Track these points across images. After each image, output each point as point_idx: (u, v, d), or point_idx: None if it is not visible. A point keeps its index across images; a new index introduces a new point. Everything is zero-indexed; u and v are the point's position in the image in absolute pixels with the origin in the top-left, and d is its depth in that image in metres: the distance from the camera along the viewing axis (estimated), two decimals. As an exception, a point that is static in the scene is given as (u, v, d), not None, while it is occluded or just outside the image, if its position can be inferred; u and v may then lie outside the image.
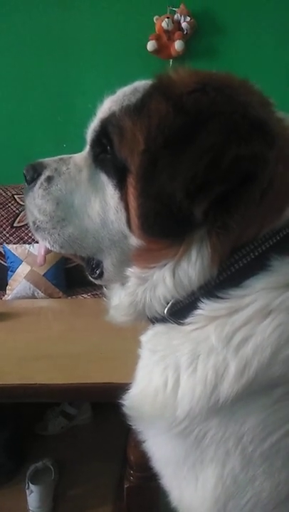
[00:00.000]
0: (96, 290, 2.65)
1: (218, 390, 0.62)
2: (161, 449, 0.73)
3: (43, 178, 0.80)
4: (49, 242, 0.80)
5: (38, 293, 2.65)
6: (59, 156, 0.83)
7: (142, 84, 0.74)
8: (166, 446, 0.70)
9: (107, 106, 0.76)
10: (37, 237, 0.82)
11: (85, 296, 2.63)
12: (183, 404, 0.65)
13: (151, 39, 2.84)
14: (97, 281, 0.81)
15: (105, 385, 1.40)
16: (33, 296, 2.64)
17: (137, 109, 0.70)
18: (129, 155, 0.69)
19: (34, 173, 0.82)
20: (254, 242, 0.64)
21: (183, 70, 0.71)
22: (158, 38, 2.85)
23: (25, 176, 0.83)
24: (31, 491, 1.67)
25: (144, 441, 0.77)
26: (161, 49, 2.87)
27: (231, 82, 0.68)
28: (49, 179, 0.80)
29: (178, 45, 2.82)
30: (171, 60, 2.91)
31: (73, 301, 2.59)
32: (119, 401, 1.24)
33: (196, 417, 0.64)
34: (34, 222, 0.81)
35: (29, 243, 2.80)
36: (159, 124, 0.65)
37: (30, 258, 2.69)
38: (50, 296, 2.66)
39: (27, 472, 1.74)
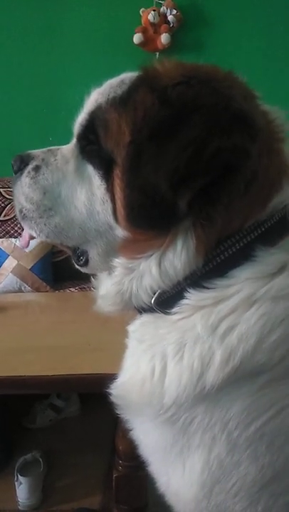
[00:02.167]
0: (84, 283, 2.65)
1: (204, 377, 0.63)
2: (148, 437, 0.74)
3: (30, 167, 0.81)
4: (35, 231, 0.81)
5: (25, 287, 2.65)
6: (47, 148, 0.84)
7: (128, 76, 0.75)
8: (154, 434, 0.71)
9: (94, 98, 0.77)
10: (24, 225, 0.83)
11: (72, 289, 2.63)
12: (170, 392, 0.66)
13: (138, 32, 2.83)
14: (82, 269, 0.82)
15: (94, 375, 1.41)
16: (20, 291, 2.64)
17: (123, 101, 0.70)
18: (115, 147, 0.70)
19: (21, 163, 0.82)
20: (239, 233, 0.65)
21: (168, 62, 0.72)
22: (144, 31, 2.84)
23: (12, 166, 0.84)
24: (20, 483, 1.68)
25: (131, 430, 0.78)
26: (148, 42, 2.86)
27: (216, 74, 0.69)
28: (37, 168, 0.81)
29: (164, 38, 2.82)
30: (157, 53, 2.90)
31: (60, 295, 2.58)
32: (108, 391, 1.25)
33: (182, 404, 0.65)
34: (21, 211, 0.81)
35: (15, 237, 2.78)
36: (145, 116, 0.66)
37: (17, 252, 2.68)
38: (38, 290, 2.65)
39: (16, 465, 1.74)
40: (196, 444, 0.66)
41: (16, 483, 1.69)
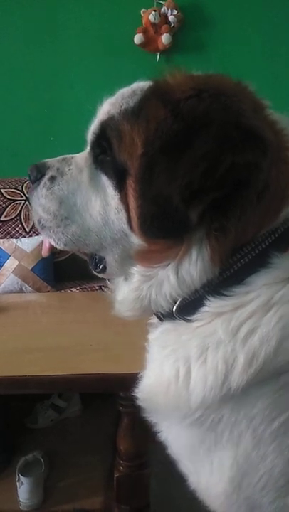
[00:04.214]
0: (85, 284, 2.65)
1: (229, 379, 0.65)
2: (177, 438, 0.76)
3: (46, 178, 0.83)
4: (54, 240, 0.83)
5: (26, 287, 2.65)
6: (62, 156, 0.86)
7: (140, 86, 0.76)
8: (182, 435, 0.73)
9: (106, 109, 0.78)
10: (43, 235, 0.85)
11: (73, 290, 2.63)
12: (196, 394, 0.68)
13: (138, 32, 2.84)
14: (100, 275, 0.84)
15: (95, 375, 1.42)
16: (21, 291, 2.64)
17: (135, 113, 0.72)
18: (128, 158, 0.71)
19: (38, 173, 0.84)
20: (254, 241, 0.67)
21: (179, 74, 0.73)
22: (145, 31, 2.85)
23: (29, 176, 0.86)
24: (22, 483, 1.68)
25: (159, 432, 0.80)
26: (149, 42, 2.87)
27: (226, 87, 0.70)
28: (52, 179, 0.83)
29: (165, 38, 2.82)
30: (158, 54, 2.91)
31: (62, 295, 2.59)
32: (110, 392, 1.25)
33: (209, 406, 0.67)
34: (39, 221, 0.84)
35: (16, 237, 2.79)
36: (157, 129, 0.67)
37: (18, 252, 2.68)
38: (39, 290, 2.65)
39: (17, 465, 1.74)
40: (224, 441, 0.68)
41: (17, 483, 1.69)
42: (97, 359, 1.55)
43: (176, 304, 0.72)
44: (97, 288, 2.62)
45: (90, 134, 0.82)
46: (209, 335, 0.68)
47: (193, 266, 0.68)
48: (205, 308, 0.69)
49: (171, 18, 2.81)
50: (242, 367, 0.64)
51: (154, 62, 2.90)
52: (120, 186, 0.74)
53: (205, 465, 0.70)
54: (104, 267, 0.81)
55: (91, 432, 2.05)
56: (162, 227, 0.68)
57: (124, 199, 0.73)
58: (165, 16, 2.82)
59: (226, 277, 0.68)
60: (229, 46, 2.91)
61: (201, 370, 0.68)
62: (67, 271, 2.63)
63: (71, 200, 0.81)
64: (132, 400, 1.52)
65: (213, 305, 0.68)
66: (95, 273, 0.85)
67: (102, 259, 0.81)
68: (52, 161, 0.85)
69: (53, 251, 2.81)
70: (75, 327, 1.88)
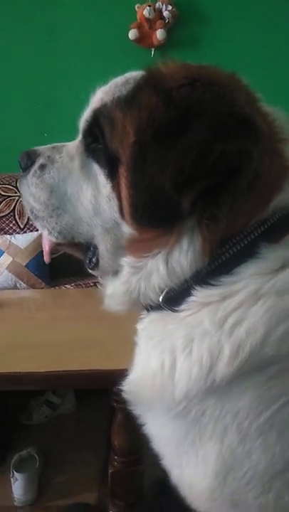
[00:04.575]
0: (79, 280, 2.65)
1: (214, 371, 0.64)
2: (161, 430, 0.75)
3: (36, 165, 0.81)
4: (48, 230, 0.81)
5: (20, 284, 2.64)
6: (53, 144, 0.84)
7: (133, 75, 0.75)
8: (166, 427, 0.72)
9: (99, 96, 0.77)
10: (37, 225, 0.84)
11: (68, 286, 2.62)
12: (180, 386, 0.67)
13: (133, 28, 2.83)
14: (94, 272, 0.83)
15: (89, 372, 1.42)
16: (15, 288, 2.63)
17: (128, 101, 0.71)
18: (120, 146, 0.71)
19: (28, 160, 0.83)
20: (243, 231, 0.67)
21: (172, 63, 0.72)
22: (139, 27, 2.84)
23: (20, 164, 0.84)
24: (16, 479, 1.68)
25: (143, 425, 0.79)
26: (143, 38, 2.86)
27: (219, 77, 0.70)
28: (42, 167, 0.81)
29: (160, 34, 2.81)
30: (152, 49, 2.90)
31: (56, 292, 2.58)
32: (105, 388, 1.25)
33: (193, 398, 0.66)
34: (31, 211, 0.83)
35: (10, 234, 2.77)
36: (149, 117, 0.67)
37: (12, 249, 2.67)
38: (33, 287, 2.65)
39: (11, 461, 1.75)
40: (209, 435, 0.67)
41: (11, 479, 1.70)
42: (91, 355, 1.55)
43: (163, 294, 0.71)
44: (91, 284, 2.62)
45: (83, 122, 0.80)
46: (196, 325, 0.67)
47: (183, 255, 0.68)
48: (192, 298, 0.69)
49: (165, 13, 2.80)
50: (227, 359, 0.64)
51: (148, 57, 2.88)
52: (112, 175, 0.73)
53: (189, 459, 0.70)
54: (97, 261, 0.80)
55: (85, 428, 2.05)
56: (154, 215, 0.68)
57: (115, 187, 0.72)
58: (160, 11, 2.81)
59: (214, 267, 0.67)
60: (224, 42, 2.90)
61: (186, 361, 0.67)
62: (62, 267, 2.62)
63: (62, 188, 0.80)
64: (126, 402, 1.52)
65: (200, 294, 0.68)
66: (89, 270, 0.85)
67: (95, 251, 0.80)
68: (43, 148, 0.84)
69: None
70: (69, 323, 1.88)
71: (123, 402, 1.56)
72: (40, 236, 2.73)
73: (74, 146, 0.82)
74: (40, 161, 0.81)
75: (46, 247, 0.87)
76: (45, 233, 0.84)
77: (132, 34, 2.83)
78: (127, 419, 1.57)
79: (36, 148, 0.84)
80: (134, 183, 0.68)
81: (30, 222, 2.93)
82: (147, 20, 2.80)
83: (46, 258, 0.90)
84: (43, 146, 0.84)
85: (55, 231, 0.80)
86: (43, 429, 2.06)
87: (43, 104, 3.03)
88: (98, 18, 2.89)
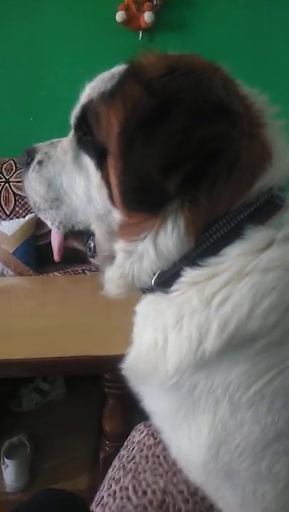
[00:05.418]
0: (68, 268, 2.63)
1: (203, 345, 0.67)
2: (157, 404, 0.77)
3: (35, 162, 0.87)
4: (50, 221, 0.87)
5: (7, 271, 2.61)
6: (50, 141, 0.90)
7: (119, 70, 0.78)
8: (161, 401, 0.75)
9: (87, 92, 0.81)
10: (40, 217, 0.89)
11: (56, 273, 2.60)
12: (172, 360, 0.70)
13: (120, 9, 2.77)
14: (95, 261, 0.87)
15: (81, 358, 1.41)
16: (2, 275, 2.60)
17: (111, 94, 0.74)
18: (106, 138, 0.74)
19: (28, 157, 0.88)
20: (229, 215, 0.69)
21: (152, 55, 0.76)
22: (127, 9, 2.78)
23: (20, 162, 0.90)
24: (7, 466, 1.68)
25: (142, 400, 0.81)
26: (131, 20, 2.80)
27: (198, 66, 0.73)
28: (40, 163, 0.87)
29: (147, 16, 2.76)
30: (140, 32, 2.85)
31: (44, 279, 2.56)
32: (96, 374, 1.24)
33: (185, 371, 0.69)
34: (34, 204, 0.88)
35: (-4, 221, 2.74)
36: (133, 107, 0.70)
37: (-1, 236, 2.64)
38: (20, 274, 2.62)
39: (2, 448, 1.74)
40: (202, 409, 0.69)
41: (2, 466, 1.70)
42: (81, 341, 1.54)
43: (155, 277, 0.74)
44: (80, 271, 2.61)
45: (73, 118, 0.85)
46: (185, 304, 0.70)
47: (169, 237, 0.71)
48: (181, 279, 0.71)
49: (153, -5, 2.75)
50: (215, 333, 0.66)
51: (136, 40, 2.84)
52: (101, 165, 0.76)
53: (184, 432, 0.71)
54: (95, 247, 0.84)
55: (75, 415, 2.06)
56: (143, 199, 0.71)
57: (105, 176, 0.76)
58: (148, -7, 2.75)
59: (202, 250, 0.70)
60: (212, 25, 2.86)
61: (177, 337, 0.70)
62: (50, 255, 2.58)
63: (58, 181, 0.85)
64: (118, 381, 1.52)
65: (188, 275, 0.71)
66: (90, 259, 0.88)
67: (93, 238, 0.84)
68: (41, 145, 0.90)
69: (36, 234, 2.75)
70: (58, 310, 1.87)
71: (114, 388, 1.58)
72: (27, 223, 2.73)
73: (68, 140, 0.87)
74: (38, 157, 0.87)
75: (56, 245, 0.91)
76: (53, 230, 0.89)
77: (120, 16, 2.77)
78: (118, 404, 1.58)
79: (35, 145, 0.89)
80: (123, 171, 0.71)
81: (17, 209, 2.90)
82: (135, 2, 2.74)
83: (57, 256, 0.93)
84: (41, 143, 0.89)
85: (56, 221, 0.86)
86: (33, 416, 2.06)
87: (29, 88, 2.97)
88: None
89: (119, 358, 0.81)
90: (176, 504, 0.88)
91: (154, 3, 2.76)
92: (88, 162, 0.80)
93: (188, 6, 2.87)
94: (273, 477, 0.67)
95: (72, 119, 0.84)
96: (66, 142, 0.86)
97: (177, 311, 0.70)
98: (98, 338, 1.55)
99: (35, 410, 2.10)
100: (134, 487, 0.93)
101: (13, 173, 2.83)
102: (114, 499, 0.91)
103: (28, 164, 0.88)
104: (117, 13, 2.77)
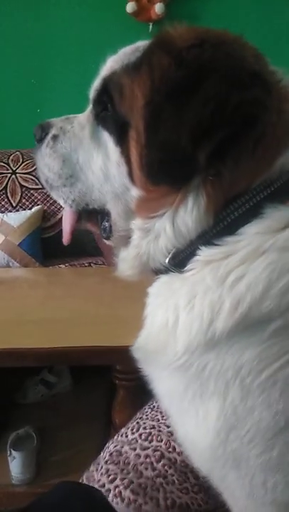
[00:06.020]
0: (74, 261, 2.61)
1: (214, 324, 0.65)
2: (165, 385, 0.76)
3: (49, 136, 0.84)
4: (63, 199, 0.84)
5: (13, 263, 2.59)
6: (65, 116, 0.87)
7: (142, 43, 0.76)
8: (170, 382, 0.73)
9: (109, 65, 0.79)
10: (52, 195, 0.86)
11: (62, 266, 2.58)
12: (182, 339, 0.68)
13: (131, 0, 2.75)
14: (110, 242, 0.85)
15: (93, 348, 1.40)
16: (8, 267, 2.58)
17: (136, 66, 0.72)
18: (129, 110, 0.72)
19: (42, 132, 0.85)
20: (248, 193, 0.67)
21: (180, 27, 0.74)
22: (138, 0, 2.76)
23: (35, 136, 0.87)
24: (14, 458, 1.66)
25: (150, 382, 0.79)
26: (141, 11, 2.78)
27: (227, 38, 0.71)
28: (55, 138, 0.84)
29: (158, 8, 2.74)
30: (150, 24, 2.82)
31: (50, 271, 2.54)
32: (107, 364, 1.22)
33: (194, 351, 0.67)
34: (47, 181, 0.85)
35: (2, 212, 2.71)
36: (162, 77, 0.68)
37: (4, 227, 2.61)
38: (26, 266, 2.60)
39: (8, 439, 1.72)
40: (210, 392, 0.67)
41: (9, 458, 1.67)
42: (90, 332, 1.53)
43: (170, 255, 0.72)
44: (86, 265, 2.58)
45: (92, 91, 0.82)
46: (198, 283, 0.68)
47: (188, 214, 0.69)
48: (196, 258, 0.70)
49: (165, -13, 2.73)
50: (227, 312, 0.64)
51: (146, 32, 2.81)
52: (121, 140, 0.74)
53: (191, 416, 0.69)
54: (111, 227, 0.82)
55: (82, 407, 2.04)
56: (169, 172, 0.69)
57: (125, 152, 0.74)
58: (159, -16, 2.73)
59: (220, 229, 0.68)
60: (224, 18, 2.83)
61: (188, 317, 0.68)
62: (56, 247, 2.56)
63: (74, 157, 0.82)
64: (128, 372, 1.50)
65: (203, 254, 0.69)
66: (105, 240, 0.86)
67: (108, 218, 0.82)
68: (56, 120, 0.86)
69: (42, 226, 2.74)
70: (65, 301, 1.85)
71: (124, 379, 1.56)
72: (33, 215, 2.70)
73: (85, 116, 0.84)
74: (52, 131, 0.84)
75: (67, 227, 0.88)
76: (65, 211, 0.87)
77: (130, 7, 2.75)
78: (129, 396, 1.56)
79: (50, 120, 0.86)
80: (148, 143, 0.69)
81: (24, 201, 2.87)
82: (146, -7, 2.72)
83: (66, 238, 0.89)
84: (56, 118, 0.86)
85: (69, 199, 0.83)
86: (40, 408, 2.04)
87: (36, 79, 2.94)
88: (95, -10, 2.81)
89: (129, 349, 0.80)
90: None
91: (165, -6, 2.74)
92: (107, 138, 0.78)
93: (200, -2, 2.85)
94: (285, 466, 0.64)
95: (92, 93, 0.82)
96: (83, 117, 0.84)
97: (190, 290, 0.69)
98: (106, 330, 1.53)
99: (42, 402, 2.08)
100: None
101: (20, 165, 2.81)
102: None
103: (41, 139, 0.85)
104: (128, 4, 2.75)
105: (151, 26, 2.84)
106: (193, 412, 0.69)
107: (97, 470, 0.97)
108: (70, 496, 0.76)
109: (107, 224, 0.83)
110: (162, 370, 0.73)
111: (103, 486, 0.89)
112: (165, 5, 2.75)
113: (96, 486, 0.89)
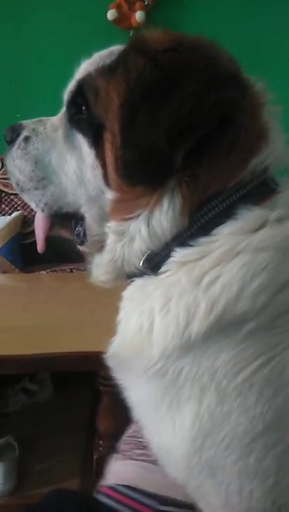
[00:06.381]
0: (55, 267, 2.58)
1: (190, 327, 0.64)
2: (139, 393, 0.73)
3: (21, 138, 0.82)
4: (35, 202, 0.81)
5: (-8, 269, 2.54)
6: (38, 118, 0.85)
7: (117, 48, 0.77)
8: (144, 389, 0.71)
9: (84, 68, 0.79)
10: (24, 198, 0.84)
11: (42, 272, 2.55)
12: (157, 344, 0.67)
13: (112, 8, 2.76)
14: (83, 248, 0.83)
15: (77, 354, 1.38)
16: (-13, 273, 2.53)
17: (112, 68, 0.72)
18: (104, 112, 0.72)
19: (13, 134, 0.83)
20: (222, 194, 0.68)
21: (155, 31, 0.75)
22: (118, 7, 2.78)
23: (5, 138, 0.85)
24: (-6, 468, 1.62)
25: (124, 391, 0.77)
26: (122, 19, 2.80)
27: (202, 42, 0.73)
28: (27, 139, 0.82)
29: (139, 15, 2.76)
30: (131, 31, 2.84)
31: (31, 277, 2.50)
32: (91, 370, 1.19)
33: (170, 356, 0.66)
34: (17, 184, 0.83)
35: (-19, 217, 2.67)
36: (137, 78, 0.68)
37: (-17, 232, 2.57)
38: (6, 273, 2.56)
39: (-12, 450, 1.68)
40: (186, 397, 0.65)
41: (-11, 468, 1.63)
42: (73, 338, 1.50)
43: (144, 257, 0.72)
44: (67, 271, 2.56)
45: (67, 93, 0.81)
46: (173, 285, 0.68)
47: (164, 215, 0.68)
48: (171, 259, 0.69)
49: (145, -5, 2.76)
50: (202, 314, 0.63)
51: (126, 39, 2.81)
52: (96, 142, 0.74)
53: (167, 424, 0.67)
54: (85, 232, 0.80)
55: (64, 415, 2.01)
56: (144, 173, 0.68)
57: (100, 155, 0.73)
58: (139, -8, 2.76)
59: (194, 230, 0.68)
60: (203, 27, 2.87)
61: (163, 320, 0.67)
62: (37, 253, 2.51)
63: (46, 159, 0.80)
64: (113, 378, 1.48)
65: (178, 255, 0.69)
66: (78, 247, 0.84)
67: (82, 223, 0.80)
68: (27, 122, 0.84)
69: (22, 232, 2.69)
70: (47, 308, 1.82)
71: (109, 386, 1.54)
72: (13, 220, 2.66)
73: (58, 118, 0.83)
74: (24, 133, 0.82)
75: (41, 234, 0.85)
76: (37, 218, 0.84)
77: (111, 14, 2.76)
78: (113, 402, 1.54)
79: (21, 122, 0.84)
80: (123, 144, 0.69)
81: (3, 206, 2.83)
82: (126, 1, 2.74)
83: (40, 245, 0.87)
84: (27, 120, 0.84)
85: (41, 203, 0.81)
86: (21, 417, 2.01)
87: (16, 83, 2.92)
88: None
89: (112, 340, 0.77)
90: None
91: (146, 3, 2.77)
92: (81, 140, 0.77)
93: (179, 7, 2.89)
94: (262, 473, 0.63)
95: (67, 95, 0.81)
96: (56, 120, 0.82)
97: (165, 293, 0.68)
98: (90, 336, 1.51)
99: (23, 411, 2.04)
100: None
101: (-1, 170, 2.78)
102: None
103: (12, 141, 0.83)
104: (109, 12, 2.77)
105: (131, 33, 2.85)
106: (169, 420, 0.67)
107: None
108: (63, 504, 0.74)
109: (80, 229, 0.81)
110: (137, 378, 0.71)
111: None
112: (146, 13, 2.78)
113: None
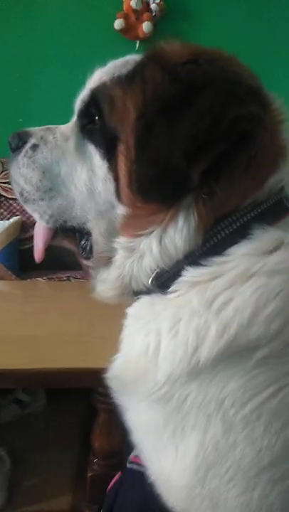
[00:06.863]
0: (52, 274, 2.55)
1: (199, 351, 0.62)
2: (141, 419, 0.71)
3: (28, 146, 0.79)
4: (39, 214, 0.78)
5: (-12, 275, 2.51)
6: (46, 126, 0.82)
7: (132, 57, 0.75)
8: (147, 414, 0.68)
9: (98, 76, 0.76)
10: (27, 209, 0.80)
11: (40, 279, 2.51)
12: (164, 368, 0.64)
13: (119, 17, 2.76)
14: (88, 262, 0.80)
15: (74, 370, 1.34)
16: (-17, 279, 2.50)
17: (129, 79, 0.70)
18: (119, 124, 0.69)
19: (19, 141, 0.80)
20: (237, 213, 0.66)
21: (174, 43, 0.73)
22: (126, 17, 2.77)
23: (10, 145, 0.81)
24: (-16, 482, 1.58)
25: (124, 414, 0.75)
26: (129, 29, 2.80)
27: (222, 55, 0.71)
28: (34, 147, 0.78)
29: (146, 26, 2.76)
30: (137, 42, 2.84)
31: (27, 284, 2.46)
32: (89, 387, 1.15)
33: (176, 381, 0.63)
34: (21, 193, 0.79)
35: (-21, 222, 2.63)
36: (155, 91, 0.66)
37: (-20, 238, 2.54)
38: (2, 279, 2.52)
39: (-21, 463, 1.64)
40: (191, 425, 0.63)
41: (-22, 482, 1.59)
42: (70, 352, 1.46)
43: (153, 275, 0.69)
44: (64, 278, 2.53)
45: (79, 103, 0.79)
46: (184, 305, 0.66)
47: (178, 233, 0.66)
48: (182, 278, 0.67)
49: (153, 6, 2.75)
50: (213, 338, 0.61)
51: (133, 50, 2.81)
52: (109, 154, 0.71)
53: (169, 452, 0.65)
54: (91, 248, 0.77)
55: (57, 428, 1.98)
56: (161, 189, 0.66)
57: (113, 168, 0.71)
58: (147, 3, 2.75)
59: (207, 249, 0.66)
60: (210, 38, 2.82)
61: (171, 342, 0.65)
62: (34, 259, 2.51)
63: (55, 169, 0.77)
64: (110, 395, 1.45)
65: (189, 274, 0.66)
66: (83, 261, 0.81)
67: (88, 237, 0.77)
68: (35, 129, 0.81)
69: (19, 237, 2.64)
70: (43, 318, 1.79)
71: (107, 403, 1.51)
72: (12, 225, 2.63)
73: (68, 127, 0.80)
74: (32, 141, 0.79)
75: (40, 244, 0.81)
76: (38, 227, 0.80)
77: (118, 24, 2.76)
78: (110, 420, 1.51)
79: (28, 129, 0.81)
80: (139, 158, 0.66)
81: (2, 211, 2.80)
82: (134, 11, 2.74)
83: (39, 255, 0.83)
84: (35, 127, 0.81)
85: (46, 214, 0.77)
86: (13, 429, 1.97)
87: (19, 88, 2.90)
88: (84, 5, 2.80)
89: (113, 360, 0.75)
90: None
91: (153, 13, 2.77)
92: (93, 152, 0.74)
93: (187, 18, 2.89)
94: (266, 509, 0.61)
95: (78, 104, 0.78)
96: (67, 129, 0.80)
97: (175, 313, 0.66)
98: (87, 350, 1.48)
99: (14, 423, 2.00)
100: None
101: (-1, 174, 2.75)
102: None
103: (18, 148, 0.79)
104: (116, 21, 2.76)
105: (138, 44, 2.85)
106: (171, 448, 0.65)
107: None
108: None
109: (86, 243, 0.78)
110: (139, 401, 0.68)
111: None
112: (153, 23, 2.78)
113: None
